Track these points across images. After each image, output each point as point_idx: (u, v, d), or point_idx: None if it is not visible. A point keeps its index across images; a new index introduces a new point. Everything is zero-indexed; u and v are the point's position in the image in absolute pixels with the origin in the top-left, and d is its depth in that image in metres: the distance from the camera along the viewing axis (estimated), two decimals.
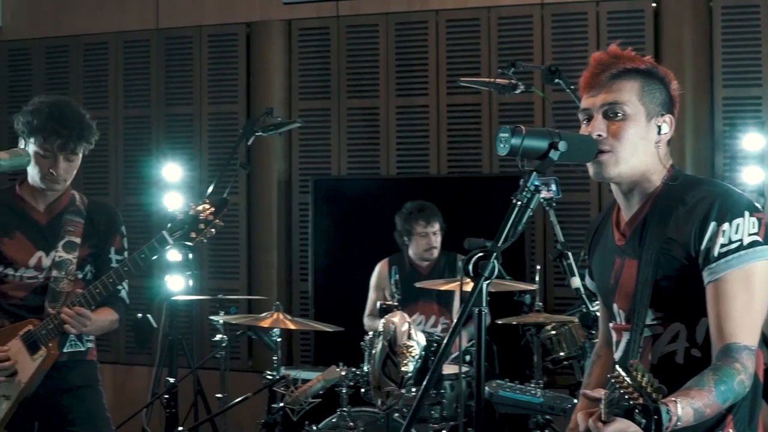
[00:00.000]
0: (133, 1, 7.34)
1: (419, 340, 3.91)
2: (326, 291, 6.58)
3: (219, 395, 5.52)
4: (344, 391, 4.54)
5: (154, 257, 3.55)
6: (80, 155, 3.63)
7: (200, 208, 3.55)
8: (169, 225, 3.57)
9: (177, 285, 6.63)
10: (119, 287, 3.64)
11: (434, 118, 6.66)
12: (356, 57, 6.86)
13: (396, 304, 4.32)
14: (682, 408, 2.10)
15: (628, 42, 2.66)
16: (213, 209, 3.55)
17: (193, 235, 3.53)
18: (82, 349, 3.75)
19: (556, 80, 4.47)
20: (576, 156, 2.40)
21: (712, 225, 2.31)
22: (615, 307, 2.54)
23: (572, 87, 4.36)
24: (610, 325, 2.61)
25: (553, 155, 2.33)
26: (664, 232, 2.39)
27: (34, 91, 6.97)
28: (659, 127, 2.46)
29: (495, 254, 2.32)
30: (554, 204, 4.38)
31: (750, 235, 2.30)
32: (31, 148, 3.53)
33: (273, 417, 4.74)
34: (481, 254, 2.33)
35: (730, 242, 2.29)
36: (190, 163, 7.05)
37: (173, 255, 6.54)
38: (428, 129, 6.67)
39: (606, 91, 2.45)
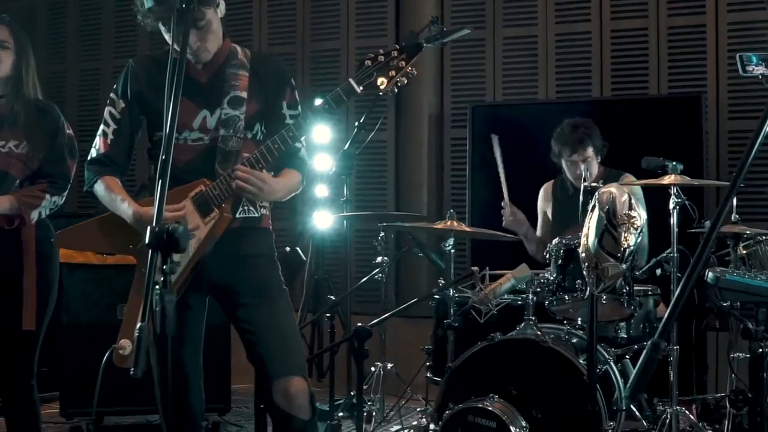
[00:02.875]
0: None
1: (641, 212, 3.59)
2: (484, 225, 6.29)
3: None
4: (531, 297, 4.27)
5: (340, 106, 3.21)
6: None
7: (392, 53, 3.14)
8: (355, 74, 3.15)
9: (325, 222, 6.45)
10: (298, 144, 3.28)
11: (597, 45, 6.36)
12: None
13: None
14: None
15: None
16: (405, 54, 3.12)
17: (382, 81, 3.11)
18: (256, 215, 3.34)
19: None
20: None
21: None
22: None
23: None
24: None
25: None
26: None
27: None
28: None
29: None
30: None
31: None
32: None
33: (450, 322, 4.48)
34: None
35: None
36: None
37: (321, 190, 6.39)
38: (590, 55, 6.37)
39: None
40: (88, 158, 3.34)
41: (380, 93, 3.16)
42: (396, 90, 3.15)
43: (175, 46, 2.63)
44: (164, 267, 2.41)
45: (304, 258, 6.48)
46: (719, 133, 5.99)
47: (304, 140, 3.33)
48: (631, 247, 3.53)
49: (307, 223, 6.54)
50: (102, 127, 3.35)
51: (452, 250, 4.67)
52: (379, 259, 5.32)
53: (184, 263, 3.16)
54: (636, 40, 6.28)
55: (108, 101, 3.34)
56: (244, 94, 3.28)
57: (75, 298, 5.01)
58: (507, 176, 5.24)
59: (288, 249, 6.53)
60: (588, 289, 3.65)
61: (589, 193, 3.83)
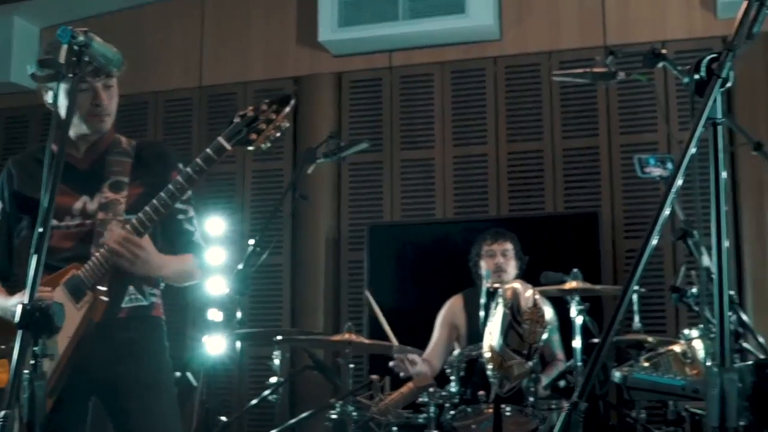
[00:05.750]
0: (176, 59, 7.17)
1: (546, 308, 3.50)
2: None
3: None
4: (432, 410, 4.10)
5: (210, 167, 3.01)
6: (116, 81, 3.15)
7: (261, 107, 3.05)
8: (226, 130, 3.03)
9: (217, 346, 6.21)
10: (190, 227, 3.17)
11: (493, 166, 6.40)
12: (410, 108, 6.65)
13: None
14: None
15: None
16: (275, 106, 3.04)
17: (253, 137, 3.01)
18: (145, 303, 3.15)
19: (661, 63, 4.21)
20: None
21: None
22: None
23: (679, 68, 4.11)
24: None
25: None
26: None
27: None
28: None
29: (732, 53, 1.99)
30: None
31: None
32: (62, 94, 2.95)
33: None
34: (714, 55, 2.01)
35: None
36: (232, 219, 6.72)
37: (214, 314, 6.18)
38: (487, 176, 6.40)
39: None
40: None
41: (252, 148, 3.05)
42: (269, 144, 3.04)
43: (60, 111, 2.49)
44: (35, 349, 2.20)
45: (195, 383, 6.19)
46: (615, 249, 6.02)
47: (197, 225, 3.18)
48: (537, 344, 3.43)
49: (199, 348, 6.28)
50: None
51: (350, 365, 4.49)
52: (272, 379, 5.10)
53: (59, 356, 2.89)
54: (532, 161, 6.34)
55: None
56: (126, 179, 3.14)
57: None
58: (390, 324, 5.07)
59: (178, 374, 6.24)
60: (492, 395, 3.52)
61: (492, 293, 3.75)
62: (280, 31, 7.03)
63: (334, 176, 6.72)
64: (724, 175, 1.94)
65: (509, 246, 5.11)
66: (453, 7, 6.40)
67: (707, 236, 5.35)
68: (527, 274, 5.05)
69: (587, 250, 5.83)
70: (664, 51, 5.13)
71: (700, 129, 1.94)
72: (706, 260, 3.80)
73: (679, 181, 2.02)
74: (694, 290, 3.89)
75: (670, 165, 4.04)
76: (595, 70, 4.40)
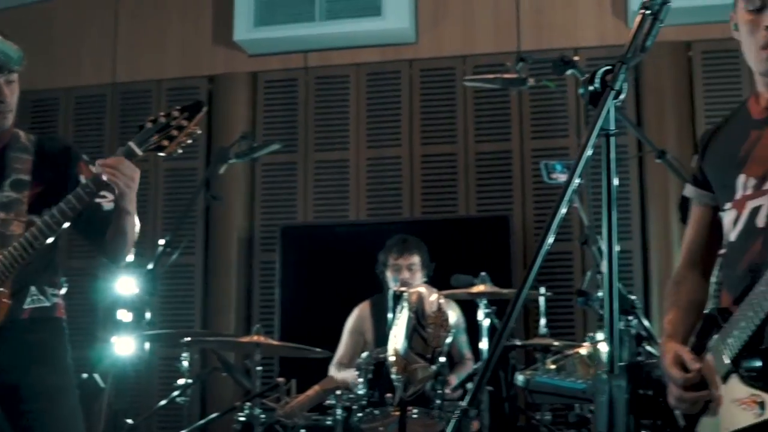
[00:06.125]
0: (89, 55, 7.06)
1: (450, 312, 3.52)
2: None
3: None
4: (339, 413, 4.10)
5: None
6: (17, 76, 3.04)
7: (172, 113, 3.02)
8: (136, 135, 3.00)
9: (126, 347, 6.12)
10: (108, 207, 3.05)
11: (407, 168, 6.43)
12: (325, 109, 6.64)
13: None
14: None
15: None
16: (187, 113, 3.02)
17: (165, 143, 2.97)
18: (47, 304, 3.08)
19: (570, 71, 4.28)
20: None
21: None
22: (741, 179, 2.31)
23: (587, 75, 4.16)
24: (725, 207, 2.37)
25: None
26: None
27: None
28: None
29: (625, 66, 2.02)
30: (577, 189, 4.10)
31: None
32: None
33: None
34: (608, 67, 2.04)
35: None
36: (143, 219, 6.61)
37: (123, 314, 6.09)
38: (401, 178, 6.43)
39: None
40: None
41: (163, 155, 3.02)
42: (180, 151, 3.01)
43: None
44: None
45: (103, 385, 6.09)
46: (526, 253, 6.09)
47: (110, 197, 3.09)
48: (442, 348, 3.45)
49: (107, 349, 6.18)
50: None
51: (259, 367, 4.47)
52: (181, 381, 5.05)
53: None
54: (445, 164, 6.38)
55: None
56: (28, 177, 3.06)
57: None
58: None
59: (85, 375, 6.14)
60: (397, 398, 3.53)
61: (398, 297, 3.76)
62: (195, 29, 6.97)
63: (247, 176, 6.68)
64: (615, 182, 1.97)
65: (416, 259, 5.14)
66: (369, 9, 6.41)
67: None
68: (440, 277, 5.08)
69: (498, 254, 5.89)
70: (576, 58, 5.23)
71: (593, 139, 1.97)
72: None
73: (576, 181, 2.05)
74: (600, 294, 3.96)
75: None
76: (506, 76, 4.46)
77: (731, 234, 2.34)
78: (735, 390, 2.14)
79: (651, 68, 6.11)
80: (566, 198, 1.94)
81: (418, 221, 6.29)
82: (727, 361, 2.17)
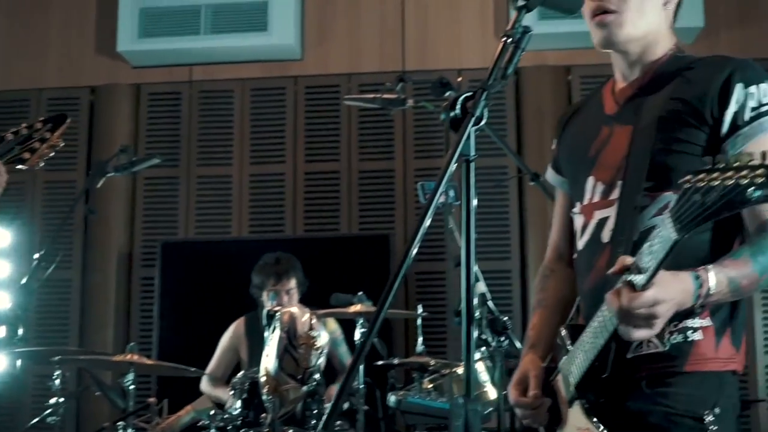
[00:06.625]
0: None
1: (322, 332, 3.51)
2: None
3: None
4: None
5: None
6: None
7: (35, 125, 2.98)
8: None
9: None
10: None
11: (290, 185, 6.41)
12: (209, 123, 6.57)
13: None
14: (715, 275, 1.89)
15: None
16: (50, 125, 2.97)
17: (26, 155, 2.94)
18: None
19: (448, 92, 4.32)
20: (564, 1, 2.18)
21: (738, 87, 2.09)
22: (590, 181, 2.29)
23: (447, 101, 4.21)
24: (575, 210, 2.35)
25: None
26: (670, 94, 2.18)
27: None
28: None
29: (485, 92, 2.04)
30: (452, 210, 4.15)
31: None
32: None
33: None
34: (469, 94, 2.06)
35: (761, 105, 2.08)
36: (21, 231, 6.45)
37: None
38: (284, 195, 6.40)
39: None
40: None
41: (24, 167, 2.95)
42: (42, 163, 2.95)
43: None
44: None
45: None
46: (407, 272, 6.10)
47: None
48: (312, 368, 3.43)
49: None
50: None
51: (131, 386, 4.38)
52: (53, 400, 4.92)
53: None
54: (328, 182, 6.38)
55: None
56: None
57: None
58: None
59: None
60: (269, 419, 3.50)
61: (272, 316, 3.74)
62: (78, 38, 6.82)
63: (128, 190, 6.56)
64: (474, 203, 1.98)
65: (293, 284, 5.08)
66: (255, 24, 6.38)
67: (485, 261, 5.56)
68: (320, 295, 5.04)
69: (379, 272, 5.89)
70: (459, 79, 5.28)
71: (452, 165, 1.99)
72: (481, 286, 3.92)
73: (450, 202, 2.07)
74: (477, 314, 4.00)
75: (452, 193, 4.13)
76: (385, 96, 4.47)
77: (579, 241, 2.32)
78: (577, 417, 2.16)
79: (532, 92, 6.23)
80: (427, 218, 1.95)
81: (300, 239, 6.27)
82: (571, 388, 2.18)
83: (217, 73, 6.63)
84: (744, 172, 1.60)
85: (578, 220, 2.33)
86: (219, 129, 6.57)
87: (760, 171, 1.58)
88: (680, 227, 1.73)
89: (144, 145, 6.59)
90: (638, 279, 1.84)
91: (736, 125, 2.08)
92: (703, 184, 1.65)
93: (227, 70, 6.62)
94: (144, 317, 6.38)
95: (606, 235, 2.22)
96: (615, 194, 2.21)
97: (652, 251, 1.82)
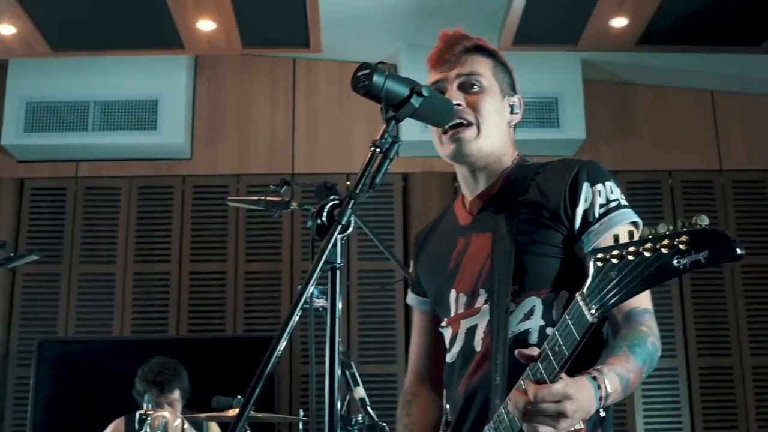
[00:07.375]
0: None
1: None
2: None
3: None
4: None
5: None
6: None
7: None
8: None
9: None
10: None
11: (175, 285, 6.33)
12: (94, 220, 6.48)
13: None
14: (607, 374, 1.87)
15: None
16: None
17: None
18: None
19: (332, 196, 4.34)
20: (434, 114, 2.21)
21: (585, 186, 2.15)
22: (452, 295, 2.29)
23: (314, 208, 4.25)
24: (443, 324, 2.34)
25: (415, 101, 2.12)
26: (523, 199, 2.22)
27: None
28: (511, 107, 2.37)
29: (352, 201, 2.06)
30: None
31: (622, 195, 2.17)
32: None
33: None
34: (336, 201, 2.08)
35: (609, 201, 2.14)
36: None
37: None
38: (168, 295, 6.31)
39: (460, 64, 2.33)
40: None
41: None
42: None
43: None
44: None
45: None
46: (292, 375, 6.06)
47: None
48: None
49: None
50: None
51: None
52: None
53: None
54: (214, 282, 6.33)
55: None
56: None
57: None
58: None
59: None
60: None
61: (143, 420, 3.65)
62: None
63: (6, 287, 6.38)
64: (339, 307, 1.98)
65: (176, 395, 4.93)
66: (145, 122, 6.36)
67: (370, 364, 5.54)
68: (203, 398, 4.92)
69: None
70: (348, 183, 5.31)
71: (317, 272, 2.00)
72: (360, 392, 3.90)
73: (296, 318, 2.08)
74: (359, 419, 3.98)
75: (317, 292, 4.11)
76: (269, 198, 4.47)
77: (449, 354, 2.29)
78: None
79: (419, 197, 6.32)
80: (294, 315, 1.95)
81: (184, 339, 6.17)
82: None
83: (104, 169, 6.57)
84: (665, 242, 1.54)
85: (447, 333, 2.32)
86: (104, 226, 6.48)
87: (683, 238, 1.51)
88: (598, 308, 1.68)
89: (25, 240, 6.45)
90: (547, 368, 1.79)
91: (587, 222, 2.13)
92: (618, 262, 1.61)
93: (115, 167, 6.56)
94: (17, 419, 6.15)
95: (478, 343, 2.20)
96: (480, 302, 2.21)
97: (558, 343, 1.76)
